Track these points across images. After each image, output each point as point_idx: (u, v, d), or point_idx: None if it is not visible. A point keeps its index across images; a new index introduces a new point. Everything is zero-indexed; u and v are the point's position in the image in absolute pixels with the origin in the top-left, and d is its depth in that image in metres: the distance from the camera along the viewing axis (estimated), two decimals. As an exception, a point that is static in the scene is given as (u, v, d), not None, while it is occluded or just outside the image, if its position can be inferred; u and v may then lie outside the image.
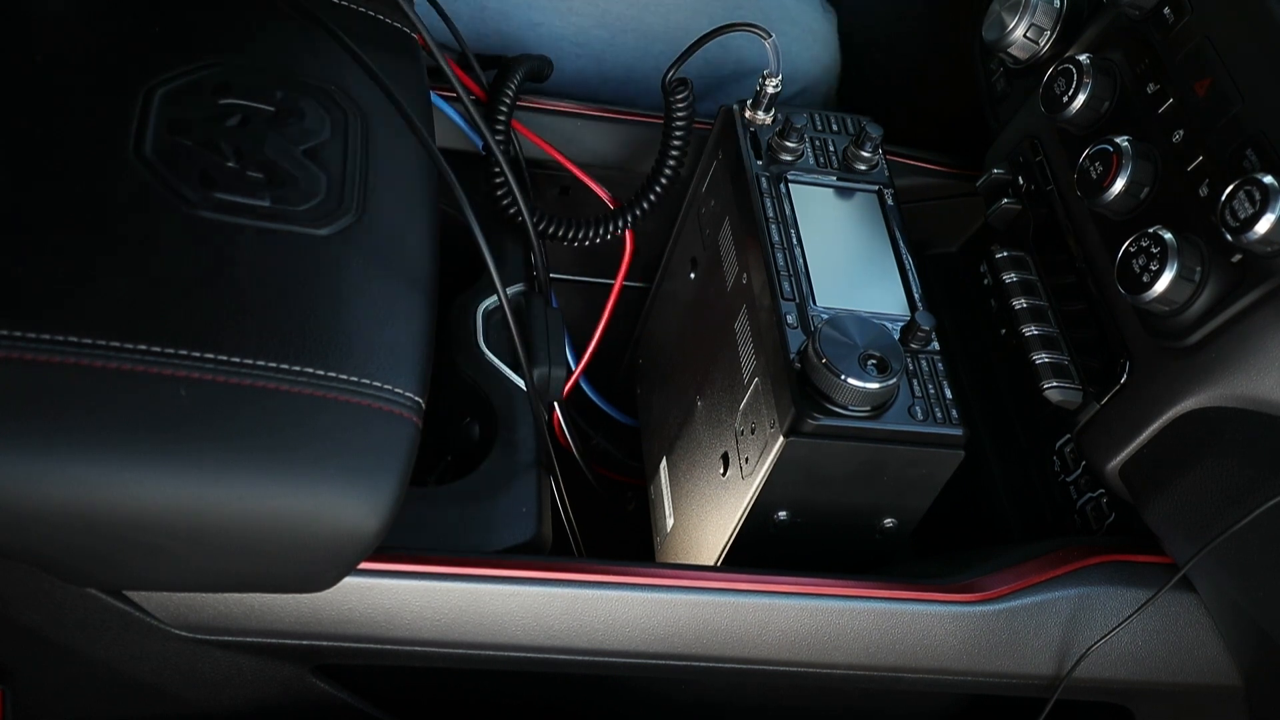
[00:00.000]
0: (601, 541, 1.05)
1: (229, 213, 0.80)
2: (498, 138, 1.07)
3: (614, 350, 1.16)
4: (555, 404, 1.06)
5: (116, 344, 0.71)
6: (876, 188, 1.03)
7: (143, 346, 0.72)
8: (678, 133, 1.06)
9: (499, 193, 1.07)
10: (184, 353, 0.72)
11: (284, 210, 0.81)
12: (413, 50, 0.98)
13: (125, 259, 0.74)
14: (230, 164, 0.82)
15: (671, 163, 1.08)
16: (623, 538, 1.15)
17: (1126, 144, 0.89)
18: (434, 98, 1.02)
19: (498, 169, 1.04)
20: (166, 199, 0.78)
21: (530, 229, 1.07)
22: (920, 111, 1.40)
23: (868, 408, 0.85)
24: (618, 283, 1.13)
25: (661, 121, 1.10)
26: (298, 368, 0.75)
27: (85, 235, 0.74)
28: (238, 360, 0.73)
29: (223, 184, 0.81)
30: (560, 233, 1.09)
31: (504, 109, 1.07)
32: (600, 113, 1.15)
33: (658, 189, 1.08)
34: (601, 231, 1.09)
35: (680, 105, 1.06)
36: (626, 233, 1.10)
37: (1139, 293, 0.84)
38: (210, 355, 0.73)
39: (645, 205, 1.09)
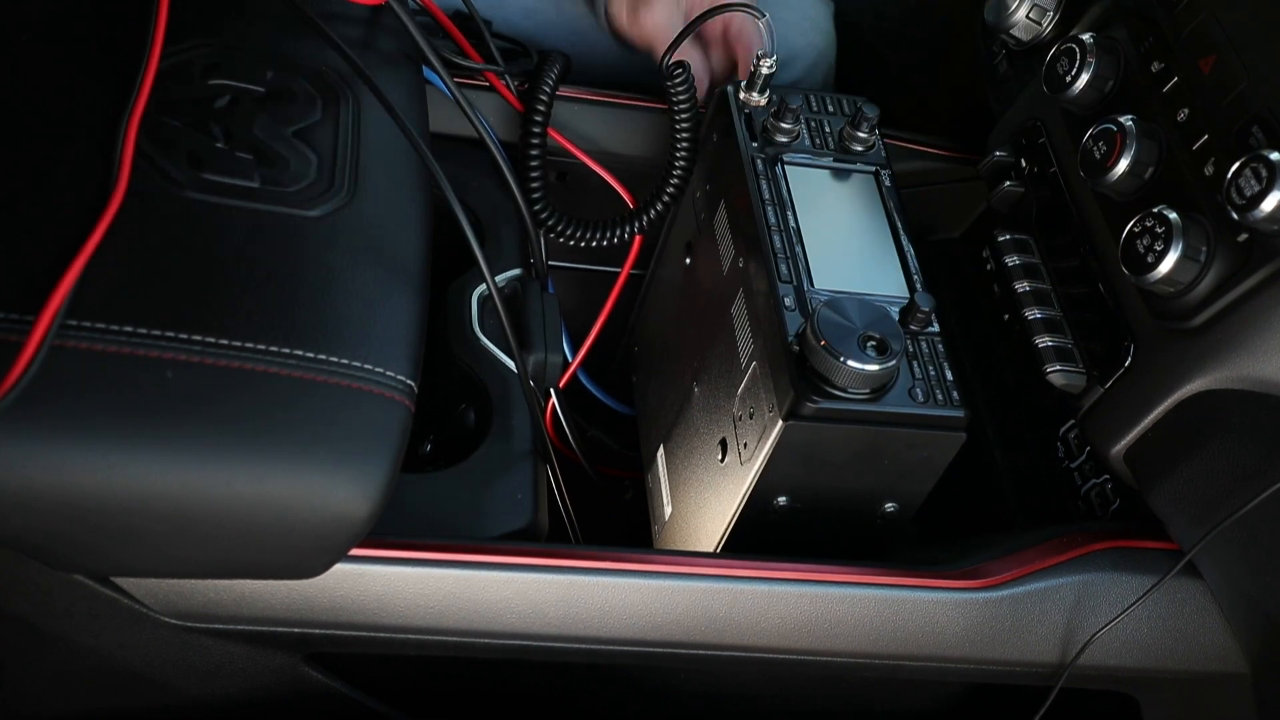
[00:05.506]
0: (599, 529, 1.04)
1: (217, 193, 0.79)
2: (534, 130, 1.06)
3: (609, 337, 1.15)
4: (552, 392, 1.05)
5: (102, 326, 0.70)
6: (874, 169, 1.02)
7: (128, 328, 0.71)
8: (683, 126, 1.05)
9: (532, 185, 1.07)
10: (170, 334, 0.71)
11: (274, 191, 0.80)
12: (407, 31, 0.97)
13: (111, 240, 0.73)
14: (219, 145, 0.81)
15: (681, 162, 1.07)
16: (620, 526, 1.14)
17: (1130, 123, 0.88)
18: (436, 81, 1.01)
19: (535, 164, 1.04)
20: (154, 180, 0.77)
21: (527, 215, 1.06)
22: (922, 95, 1.39)
23: (867, 390, 0.84)
24: (622, 275, 1.12)
25: (661, 106, 1.10)
26: (286, 350, 0.74)
27: (70, 216, 0.73)
28: (225, 342, 0.72)
29: (211, 165, 0.80)
30: (570, 231, 1.08)
31: (542, 106, 1.06)
32: (598, 97, 1.14)
33: (670, 189, 1.08)
34: (612, 236, 1.09)
35: (680, 90, 1.04)
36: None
37: (1143, 273, 0.83)
38: (197, 337, 0.72)
39: (659, 207, 1.08)
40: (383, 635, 0.83)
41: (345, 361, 0.75)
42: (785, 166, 0.99)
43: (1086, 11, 1.00)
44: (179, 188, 0.78)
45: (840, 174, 1.01)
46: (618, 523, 1.15)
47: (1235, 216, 0.79)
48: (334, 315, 0.77)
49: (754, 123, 1.01)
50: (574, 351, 1.10)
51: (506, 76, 1.08)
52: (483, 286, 1.02)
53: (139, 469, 0.69)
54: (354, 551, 0.77)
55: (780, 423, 0.85)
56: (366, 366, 0.75)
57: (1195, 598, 0.90)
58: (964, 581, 0.88)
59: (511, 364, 0.98)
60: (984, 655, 0.89)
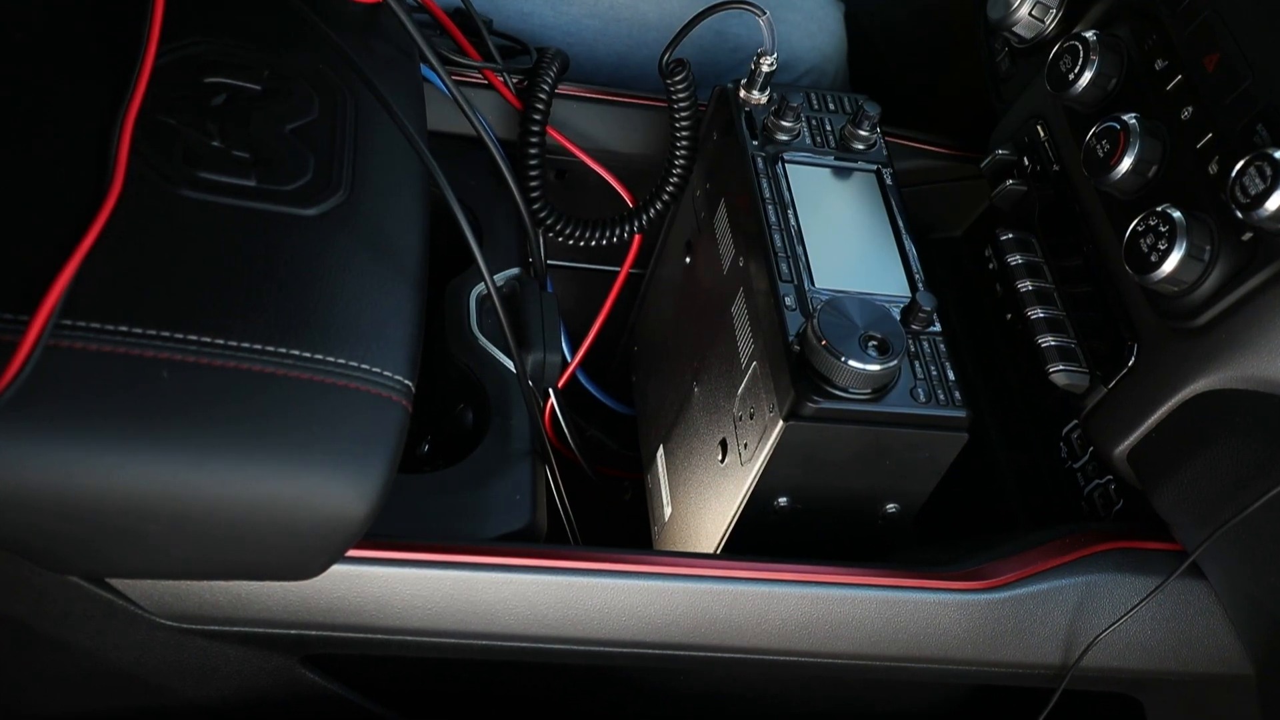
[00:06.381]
0: (598, 531, 1.04)
1: (213, 192, 0.78)
2: (533, 128, 1.06)
3: (608, 336, 1.14)
4: (550, 392, 1.04)
5: (96, 325, 0.69)
6: (875, 167, 1.01)
7: (124, 328, 0.70)
8: (683, 124, 1.05)
9: (531, 184, 1.06)
10: (166, 334, 0.71)
11: (270, 190, 0.80)
12: (404, 28, 0.96)
13: (107, 239, 0.72)
14: (215, 143, 0.80)
15: (681, 161, 1.06)
16: (620, 526, 1.14)
17: (1134, 121, 0.88)
18: (435, 79, 1.00)
19: (533, 163, 1.03)
20: (149, 178, 0.77)
21: (525, 214, 1.06)
22: (924, 93, 1.39)
23: (869, 390, 0.83)
24: (622, 274, 1.12)
25: (660, 104, 1.09)
26: (283, 350, 0.73)
27: (65, 215, 0.72)
28: (221, 342, 0.72)
29: (207, 163, 0.79)
30: (569, 230, 1.07)
31: (541, 104, 1.06)
32: (597, 95, 1.13)
33: (670, 187, 1.07)
34: (611, 235, 1.08)
35: (680, 88, 1.04)
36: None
37: (1147, 272, 0.83)
38: (193, 337, 0.71)
39: (659, 205, 1.08)
40: (380, 637, 0.82)
41: (342, 361, 0.74)
42: (786, 165, 0.98)
43: (1089, 9, 0.99)
44: (175, 186, 0.77)
45: (841, 172, 1.00)
46: (617, 523, 1.14)
47: (1239, 215, 0.78)
48: (331, 315, 0.76)
49: (754, 121, 1.00)
50: (573, 351, 1.10)
51: (505, 74, 1.08)
52: (481, 286, 1.01)
53: (134, 469, 0.69)
54: (351, 552, 0.77)
55: (781, 423, 0.84)
56: (364, 366, 0.75)
57: (1199, 599, 0.89)
58: (966, 583, 0.87)
59: (510, 364, 0.97)
60: (986, 657, 0.89)
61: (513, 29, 1.19)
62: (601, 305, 1.12)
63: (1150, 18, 0.93)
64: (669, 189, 1.07)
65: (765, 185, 0.96)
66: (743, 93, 1.01)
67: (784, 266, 0.91)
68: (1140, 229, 0.83)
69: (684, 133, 1.05)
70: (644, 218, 1.08)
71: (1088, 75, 0.93)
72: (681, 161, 1.06)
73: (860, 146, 1.02)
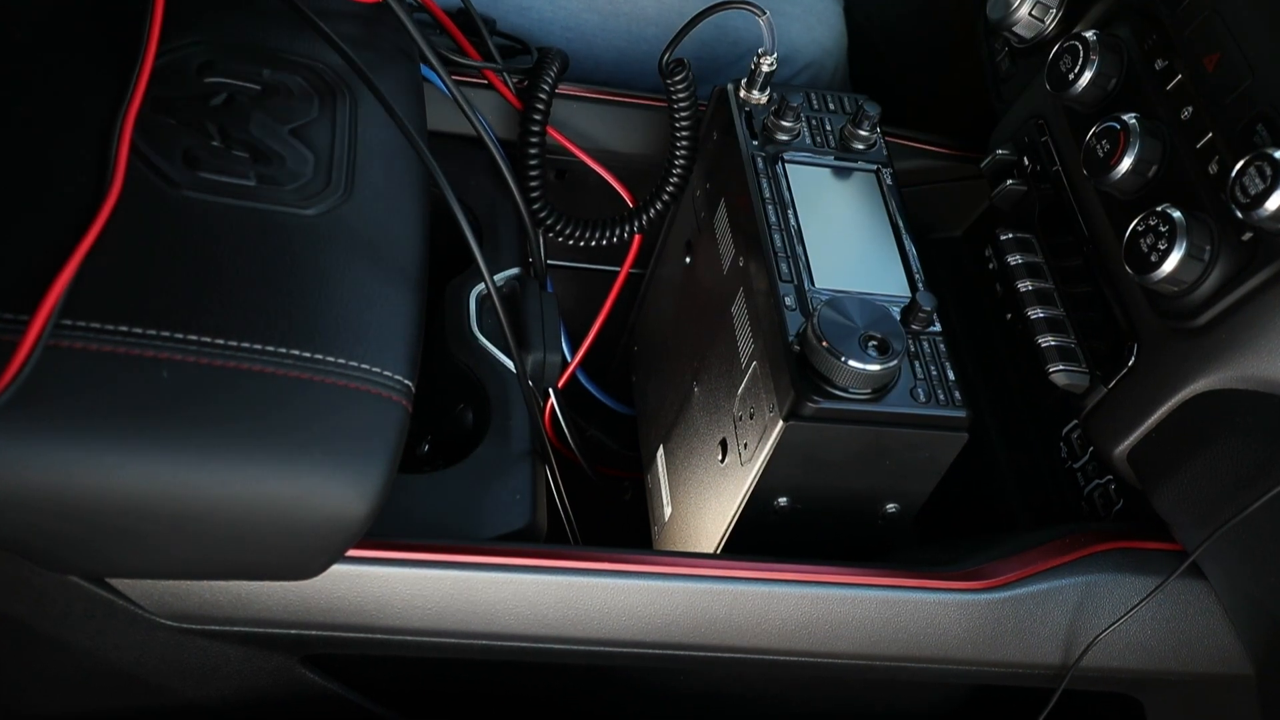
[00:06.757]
0: (598, 530, 1.04)
1: (213, 192, 0.78)
2: (533, 128, 1.06)
3: (608, 336, 1.14)
4: (550, 392, 1.04)
5: (97, 325, 0.70)
6: (875, 167, 1.01)
7: (124, 328, 0.70)
8: (683, 124, 1.05)
9: (531, 184, 1.06)
10: (166, 334, 0.71)
11: (270, 190, 0.80)
12: (405, 28, 0.96)
13: (106, 239, 0.73)
14: (215, 143, 0.81)
15: (681, 161, 1.06)
16: (620, 526, 1.14)
17: (1134, 121, 0.87)
18: (435, 80, 1.00)
19: (533, 162, 1.03)
20: (149, 179, 0.77)
21: (525, 214, 1.06)
22: (924, 93, 1.39)
23: (869, 390, 0.83)
24: (622, 274, 1.12)
25: (660, 104, 1.09)
26: (283, 350, 0.73)
27: (66, 216, 0.72)
28: (221, 342, 0.72)
29: (207, 163, 0.79)
30: (569, 230, 1.07)
31: (541, 104, 1.06)
32: (597, 95, 1.13)
33: (670, 187, 1.07)
34: (611, 235, 1.08)
35: (680, 88, 1.04)
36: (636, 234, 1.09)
37: (1147, 272, 0.82)
38: (193, 337, 0.71)
39: (659, 205, 1.08)
40: (380, 637, 0.82)
41: (342, 361, 0.74)
42: (786, 165, 0.98)
43: (1089, 9, 1.00)
44: (174, 186, 0.77)
45: (841, 172, 1.00)
46: (617, 523, 1.14)
47: (1239, 215, 0.78)
48: (331, 315, 0.76)
49: (754, 121, 1.00)
50: (573, 351, 1.10)
51: (505, 74, 1.08)
52: (481, 286, 1.01)
53: (134, 469, 0.69)
54: (351, 552, 0.77)
55: (781, 423, 0.84)
56: (364, 366, 0.75)
57: (1199, 599, 0.89)
58: (966, 583, 0.87)
59: (510, 364, 0.97)
60: (986, 657, 0.89)
61: (510, 25, 1.19)
62: (601, 305, 1.12)
63: (1150, 18, 0.93)
64: (669, 189, 1.07)
65: (765, 185, 0.96)
66: (742, 92, 1.01)
67: (784, 266, 0.91)
68: (1140, 229, 0.83)
69: (684, 133, 1.05)
70: (644, 218, 1.08)
71: (1088, 75, 0.93)
72: (681, 161, 1.06)
73: (860, 146, 1.02)
